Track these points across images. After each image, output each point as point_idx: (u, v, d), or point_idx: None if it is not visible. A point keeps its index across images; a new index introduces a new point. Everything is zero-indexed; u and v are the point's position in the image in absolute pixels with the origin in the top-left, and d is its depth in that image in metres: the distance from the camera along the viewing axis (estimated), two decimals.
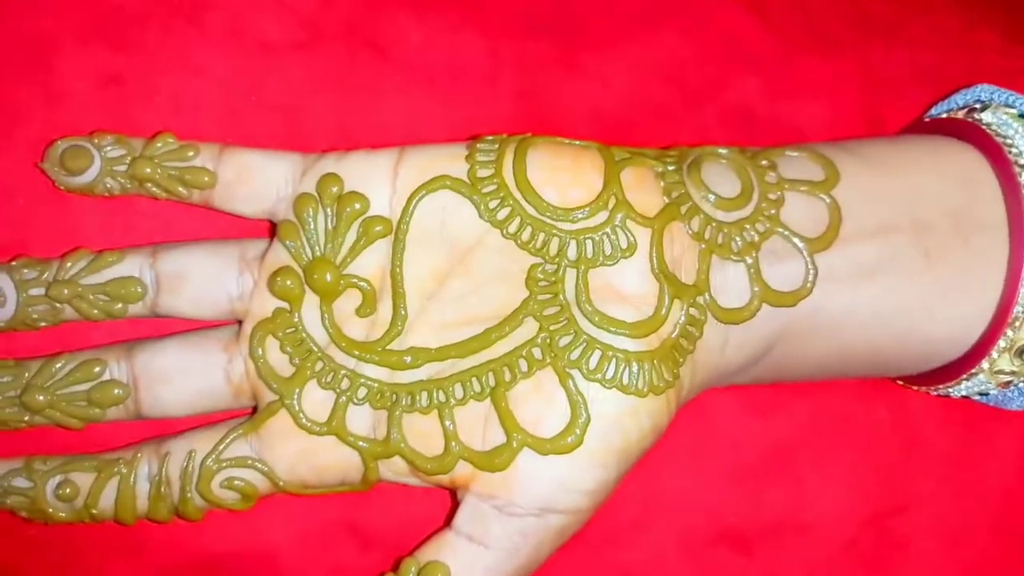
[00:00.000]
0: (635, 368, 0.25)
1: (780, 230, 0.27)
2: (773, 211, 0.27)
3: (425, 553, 0.27)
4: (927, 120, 0.31)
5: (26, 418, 0.27)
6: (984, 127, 0.28)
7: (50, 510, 0.27)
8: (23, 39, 0.29)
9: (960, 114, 0.30)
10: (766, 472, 0.31)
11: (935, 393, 0.30)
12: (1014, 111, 0.29)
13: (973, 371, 0.28)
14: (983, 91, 0.30)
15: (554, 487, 0.26)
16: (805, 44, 0.33)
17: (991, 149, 0.28)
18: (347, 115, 0.30)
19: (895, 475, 0.31)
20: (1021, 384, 0.28)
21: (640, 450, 0.26)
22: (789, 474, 0.31)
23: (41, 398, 0.27)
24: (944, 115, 0.30)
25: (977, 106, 0.30)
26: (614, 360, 0.25)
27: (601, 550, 0.29)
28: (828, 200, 0.27)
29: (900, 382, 0.31)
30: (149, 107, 0.29)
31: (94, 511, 0.27)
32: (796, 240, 0.27)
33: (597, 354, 0.25)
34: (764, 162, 0.27)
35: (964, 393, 0.29)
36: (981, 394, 0.29)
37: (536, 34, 0.32)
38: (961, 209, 0.27)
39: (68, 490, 0.27)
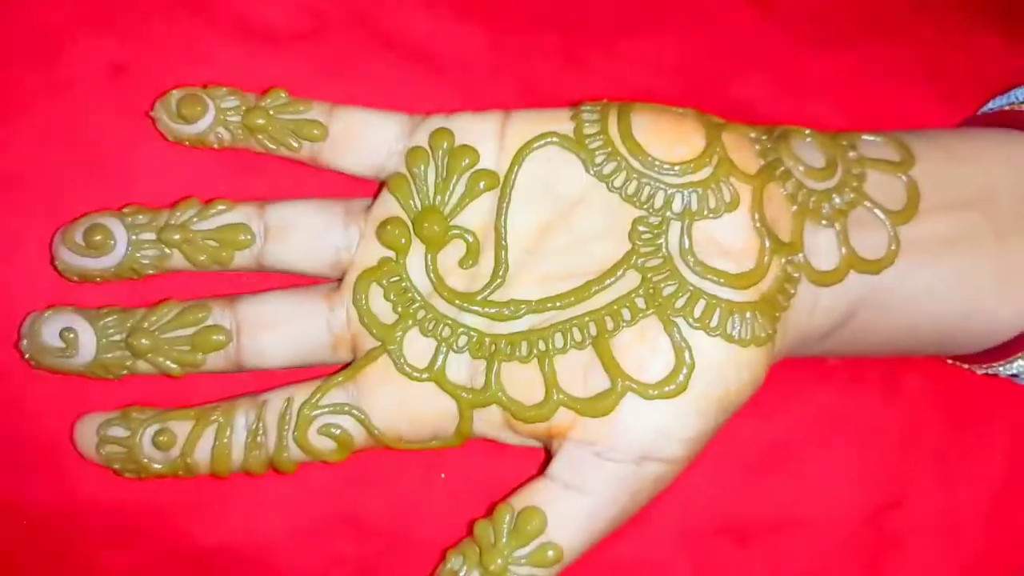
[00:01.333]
0: (738, 318, 0.26)
1: (865, 202, 0.28)
2: (857, 184, 0.28)
3: (519, 499, 0.27)
4: (983, 114, 0.32)
5: (128, 363, 0.27)
6: None
7: (145, 460, 0.27)
8: (30, 28, 0.29)
9: (1013, 107, 0.31)
10: (765, 466, 0.31)
11: (983, 371, 0.31)
12: None
13: None
14: None
15: (654, 434, 0.26)
16: (809, 40, 0.33)
17: None
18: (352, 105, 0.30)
19: (892, 470, 0.32)
20: None
21: (737, 402, 0.27)
22: (787, 468, 0.31)
23: (145, 341, 0.27)
24: (1003, 108, 0.32)
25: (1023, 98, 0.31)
26: (718, 309, 0.26)
27: (599, 544, 0.29)
28: (906, 179, 0.28)
29: (951, 361, 0.32)
30: (156, 96, 0.29)
31: (189, 460, 0.27)
32: (879, 212, 0.28)
33: (702, 303, 0.26)
34: (844, 142, 0.29)
35: (1014, 371, 0.30)
36: None
37: (540, 27, 0.32)
38: None
39: (165, 438, 0.27)
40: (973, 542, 0.32)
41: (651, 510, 0.30)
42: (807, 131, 0.29)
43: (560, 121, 0.28)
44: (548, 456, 0.27)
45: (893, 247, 0.27)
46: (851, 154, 0.28)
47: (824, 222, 0.27)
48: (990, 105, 0.33)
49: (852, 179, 0.28)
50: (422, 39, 0.31)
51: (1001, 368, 0.30)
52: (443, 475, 0.30)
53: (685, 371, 0.26)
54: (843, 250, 0.27)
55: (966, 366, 0.31)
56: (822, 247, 0.27)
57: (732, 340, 0.26)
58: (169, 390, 0.28)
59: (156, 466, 0.27)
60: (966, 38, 0.34)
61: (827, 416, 0.32)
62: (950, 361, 0.32)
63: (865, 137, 0.29)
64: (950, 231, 0.28)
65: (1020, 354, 0.29)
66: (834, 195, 0.28)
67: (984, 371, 0.31)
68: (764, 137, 0.28)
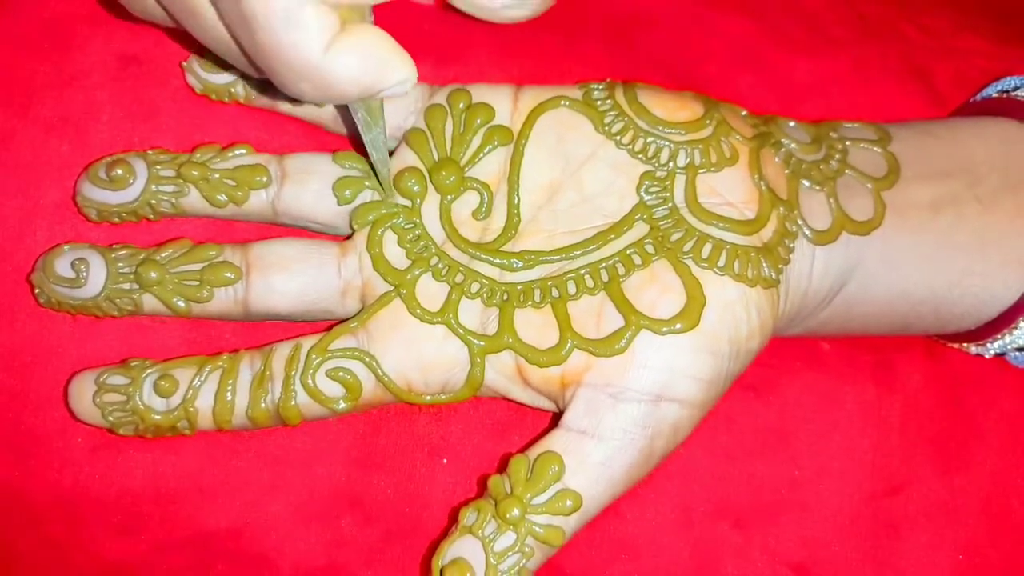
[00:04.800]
0: (744, 258, 0.27)
1: (848, 171, 0.30)
2: (840, 156, 0.30)
3: (535, 449, 0.26)
4: (966, 106, 0.34)
5: (136, 296, 0.27)
6: (1021, 99, 0.31)
7: (143, 407, 0.26)
8: (41, 19, 0.30)
9: (995, 96, 0.33)
10: (763, 450, 0.31)
11: (978, 349, 0.31)
12: None
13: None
14: (1012, 79, 0.33)
15: (669, 372, 0.26)
16: (800, 44, 0.35)
17: None
18: None
19: (890, 455, 0.32)
20: None
21: (748, 349, 0.27)
22: (786, 453, 0.32)
23: (154, 274, 0.26)
24: (977, 101, 0.34)
25: (1009, 89, 0.33)
26: (725, 251, 0.27)
27: (599, 525, 0.29)
28: (884, 153, 0.30)
29: (950, 344, 0.33)
30: (165, 88, 0.30)
31: (191, 408, 0.26)
32: (863, 179, 0.29)
33: (709, 246, 0.27)
34: (824, 127, 0.31)
35: (1017, 344, 0.31)
36: (1019, 349, 0.31)
37: (541, 26, 0.32)
38: (1007, 167, 0.30)
39: (167, 383, 0.26)
40: (971, 527, 0.32)
41: (650, 492, 0.30)
42: (791, 120, 0.31)
43: (570, 90, 0.29)
44: (557, 417, 0.27)
45: (879, 209, 0.29)
46: (833, 134, 0.30)
47: (816, 186, 0.29)
48: (971, 100, 0.35)
49: (836, 152, 0.30)
50: (422, 36, 0.32)
51: (995, 344, 0.31)
52: (445, 460, 0.30)
53: (697, 306, 0.26)
54: (835, 211, 0.29)
55: (958, 345, 0.32)
56: (815, 209, 0.29)
57: (741, 279, 0.27)
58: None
59: (156, 416, 0.26)
60: (954, 41, 0.35)
61: (825, 401, 0.32)
62: (949, 344, 0.32)
63: (843, 123, 0.31)
64: (933, 197, 0.30)
65: (1012, 327, 0.30)
66: (821, 164, 0.29)
67: (977, 350, 0.32)
68: (753, 117, 0.30)
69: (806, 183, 0.29)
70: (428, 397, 0.27)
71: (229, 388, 0.26)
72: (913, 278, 0.30)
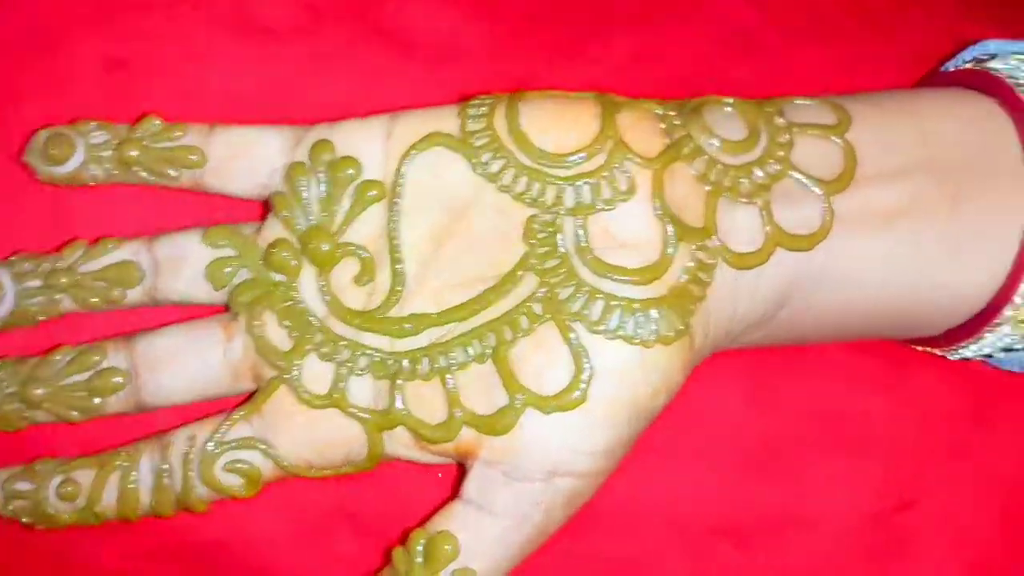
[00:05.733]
0: (641, 317, 0.24)
1: (792, 173, 0.25)
2: (783, 153, 0.25)
3: (434, 524, 0.25)
4: (937, 75, 0.30)
5: (26, 414, 0.27)
6: (995, 73, 0.27)
7: (52, 511, 0.26)
8: (27, 22, 0.29)
9: (969, 66, 0.29)
10: (765, 465, 0.30)
11: (954, 356, 0.28)
12: (1023, 56, 0.28)
13: (997, 321, 0.26)
14: (990, 44, 0.29)
15: (562, 449, 0.24)
16: (802, 34, 0.33)
17: (1004, 93, 0.27)
18: (351, 99, 0.30)
19: (898, 469, 0.30)
20: None
21: (652, 408, 0.25)
22: (789, 467, 0.30)
23: (40, 391, 0.26)
24: (952, 69, 0.29)
25: (985, 57, 0.28)
26: (618, 309, 0.24)
27: (599, 542, 0.28)
28: (841, 142, 0.26)
29: (920, 348, 0.29)
30: (153, 92, 0.29)
31: (96, 508, 0.26)
32: (809, 182, 0.25)
33: (600, 304, 0.24)
34: (770, 108, 0.26)
35: (988, 350, 0.27)
36: (1006, 349, 0.27)
37: (538, 21, 0.31)
38: (979, 153, 0.26)
39: (70, 488, 0.26)
40: (983, 543, 0.30)
41: (649, 509, 0.29)
42: (729, 100, 0.26)
43: (446, 119, 0.26)
44: (463, 473, 0.26)
45: (827, 219, 0.25)
46: (778, 120, 0.26)
47: (743, 200, 0.25)
48: (941, 69, 0.30)
49: (777, 148, 0.25)
50: (420, 34, 0.31)
51: (972, 347, 0.27)
52: (440, 474, 0.29)
53: (584, 379, 0.24)
54: (767, 228, 0.25)
55: (931, 350, 0.29)
56: (742, 227, 0.25)
57: (634, 342, 0.24)
58: (77, 432, 0.27)
59: (64, 516, 0.27)
60: (957, 31, 0.33)
61: (832, 413, 0.30)
62: (920, 349, 0.29)
63: (796, 101, 0.27)
64: (895, 200, 0.26)
65: (988, 328, 0.26)
66: (755, 168, 0.25)
67: (956, 355, 0.28)
68: (673, 112, 0.26)
69: (730, 199, 0.25)
70: (329, 471, 0.26)
71: (132, 487, 0.26)
72: (869, 289, 0.26)
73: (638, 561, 0.30)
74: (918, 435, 0.30)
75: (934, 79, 0.30)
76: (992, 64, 0.28)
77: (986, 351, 0.27)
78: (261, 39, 0.30)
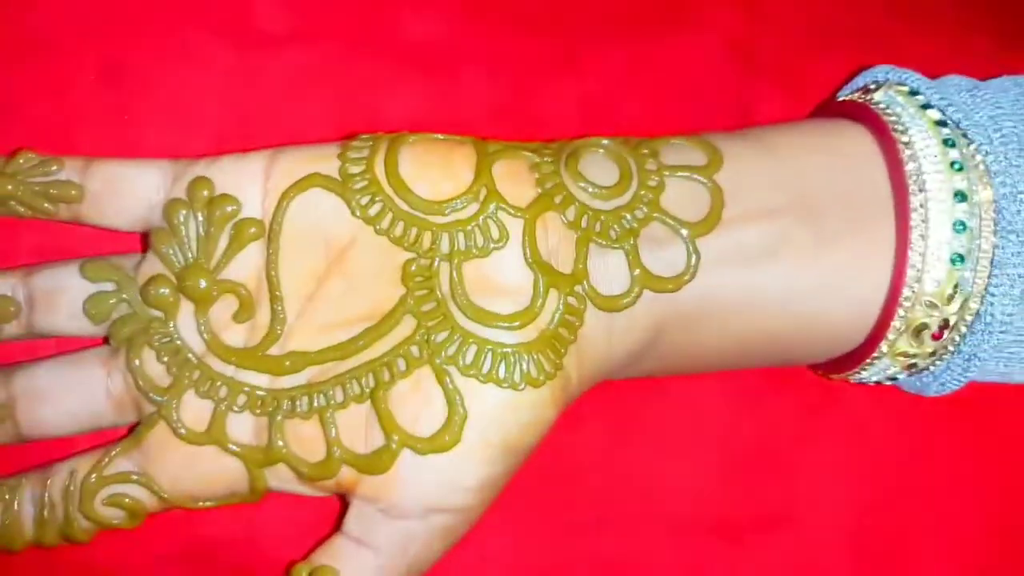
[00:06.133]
0: (512, 361, 0.25)
1: (659, 216, 0.26)
2: (652, 197, 0.26)
3: (316, 557, 0.26)
4: (831, 103, 0.31)
5: None
6: (874, 106, 0.28)
7: None
8: (23, 29, 0.29)
9: (857, 95, 0.29)
10: (757, 464, 0.31)
11: (853, 380, 0.29)
12: (905, 88, 0.28)
13: (875, 355, 0.28)
14: (881, 71, 0.29)
15: (437, 487, 0.25)
16: (801, 46, 0.33)
17: (879, 127, 0.28)
18: (346, 108, 0.30)
19: (889, 468, 0.31)
20: (932, 368, 0.28)
21: (526, 445, 0.26)
22: (780, 466, 0.31)
23: None
24: (844, 98, 0.30)
25: (872, 86, 0.29)
26: (490, 354, 0.25)
27: (592, 540, 0.29)
28: (709, 184, 0.27)
29: (817, 371, 0.31)
30: (149, 100, 0.29)
31: None
32: (676, 225, 0.26)
33: (473, 348, 0.25)
34: (645, 150, 0.27)
35: (876, 378, 0.29)
36: (891, 379, 0.29)
37: (537, 31, 0.32)
38: (850, 191, 0.27)
39: None
40: (974, 541, 0.32)
41: (642, 507, 0.30)
42: (604, 142, 0.27)
43: (327, 160, 0.26)
44: (345, 507, 0.27)
45: (693, 262, 0.26)
46: (649, 164, 0.27)
47: (613, 244, 0.26)
48: (838, 94, 0.31)
49: (647, 191, 0.26)
50: (415, 44, 0.31)
51: (862, 376, 0.29)
52: None
53: (457, 422, 0.25)
54: (634, 271, 0.26)
55: (832, 377, 0.30)
56: (611, 271, 0.26)
57: (504, 385, 0.25)
58: None
59: None
60: (957, 44, 0.34)
61: (821, 414, 0.31)
62: (817, 372, 0.31)
63: (672, 141, 0.28)
64: (762, 240, 0.26)
65: (869, 361, 0.28)
66: (624, 213, 0.26)
67: (851, 380, 0.29)
68: (549, 160, 0.26)
69: (600, 244, 0.26)
70: (214, 503, 0.27)
71: (13, 520, 0.26)
72: (742, 325, 0.27)
73: (630, 559, 0.30)
74: (908, 434, 0.31)
75: (826, 108, 0.31)
76: (875, 95, 0.28)
77: (875, 380, 0.29)
78: (257, 47, 0.30)
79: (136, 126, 0.29)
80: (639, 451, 0.30)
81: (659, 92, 0.32)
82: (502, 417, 0.25)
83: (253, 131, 0.29)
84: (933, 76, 0.30)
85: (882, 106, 0.28)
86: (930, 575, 0.31)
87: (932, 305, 0.26)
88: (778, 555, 0.31)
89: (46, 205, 0.26)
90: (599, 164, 0.27)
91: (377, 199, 0.26)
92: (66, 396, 0.26)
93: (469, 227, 0.25)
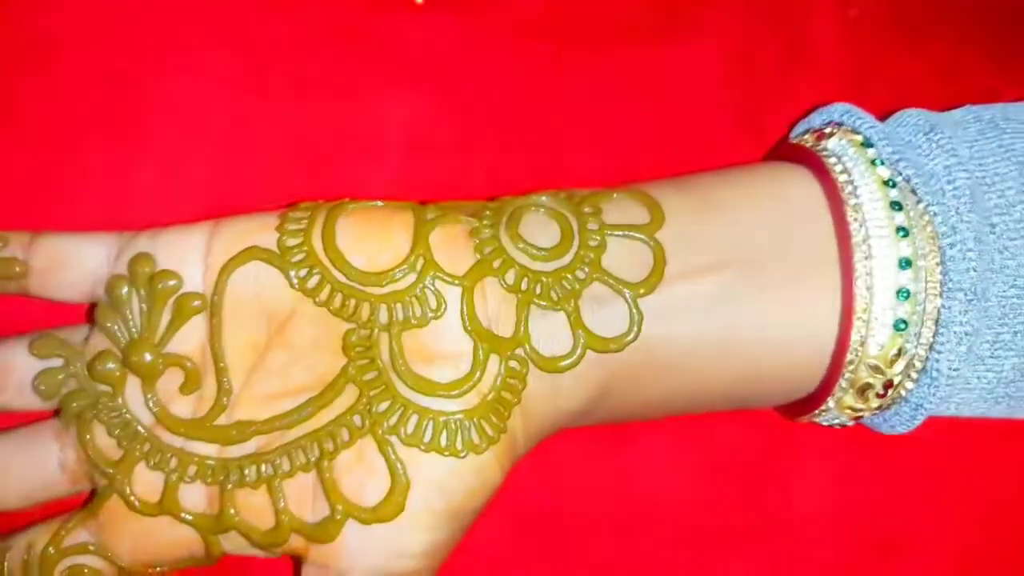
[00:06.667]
0: (453, 429, 0.25)
1: (600, 276, 0.26)
2: (593, 257, 0.26)
3: None
4: (785, 143, 0.30)
5: None
6: (824, 157, 0.28)
7: None
8: (27, 37, 0.29)
9: (810, 138, 0.29)
10: (752, 470, 0.31)
11: (806, 421, 0.29)
12: (859, 138, 0.28)
13: (823, 408, 0.28)
14: (837, 111, 0.29)
15: (383, 554, 0.25)
16: (797, 59, 0.33)
17: (828, 182, 0.27)
18: (348, 115, 0.31)
19: (885, 470, 0.31)
20: (882, 414, 0.28)
21: (471, 508, 0.26)
22: (776, 472, 0.31)
23: None
24: (798, 139, 0.30)
25: (827, 130, 0.29)
26: (431, 423, 0.25)
27: (585, 546, 0.29)
28: (651, 242, 0.26)
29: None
30: (152, 106, 0.29)
31: None
32: (618, 286, 0.26)
33: (415, 418, 0.25)
34: (588, 209, 0.27)
35: (828, 423, 0.29)
36: (844, 424, 0.29)
37: (535, 37, 0.32)
38: (794, 245, 0.27)
39: None
40: (970, 542, 0.32)
41: (635, 513, 0.30)
42: (544, 200, 0.27)
43: (266, 230, 0.26)
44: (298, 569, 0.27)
45: (636, 320, 0.26)
46: (591, 224, 0.27)
47: (554, 306, 0.26)
48: (793, 132, 0.31)
49: (589, 251, 0.26)
50: (417, 54, 0.31)
51: (816, 420, 0.29)
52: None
53: (400, 491, 0.25)
54: (577, 332, 0.26)
55: (781, 416, 0.30)
56: (553, 332, 0.26)
57: (446, 453, 0.25)
58: None
59: None
60: (950, 60, 0.34)
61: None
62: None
63: (615, 196, 0.27)
64: (705, 295, 0.26)
65: (817, 412, 0.28)
66: (566, 274, 0.26)
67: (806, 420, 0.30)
68: (487, 224, 0.27)
69: (541, 305, 0.26)
70: (171, 568, 0.27)
71: None
72: (692, 377, 0.27)
73: (624, 563, 0.31)
74: (897, 438, 0.30)
75: (779, 149, 0.30)
76: (829, 143, 0.28)
77: (827, 424, 0.29)
78: (258, 55, 0.30)
79: (140, 133, 0.29)
80: (631, 456, 0.30)
81: (662, 100, 0.32)
82: (446, 484, 0.25)
83: (254, 138, 0.29)
84: (925, 92, 0.30)
85: (832, 160, 0.28)
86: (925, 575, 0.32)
87: (876, 368, 0.26)
88: (776, 560, 0.31)
89: None
90: (540, 224, 0.27)
91: (315, 271, 0.26)
92: (19, 470, 0.27)
93: (407, 297, 0.25)
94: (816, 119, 0.30)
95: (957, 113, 0.29)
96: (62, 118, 0.29)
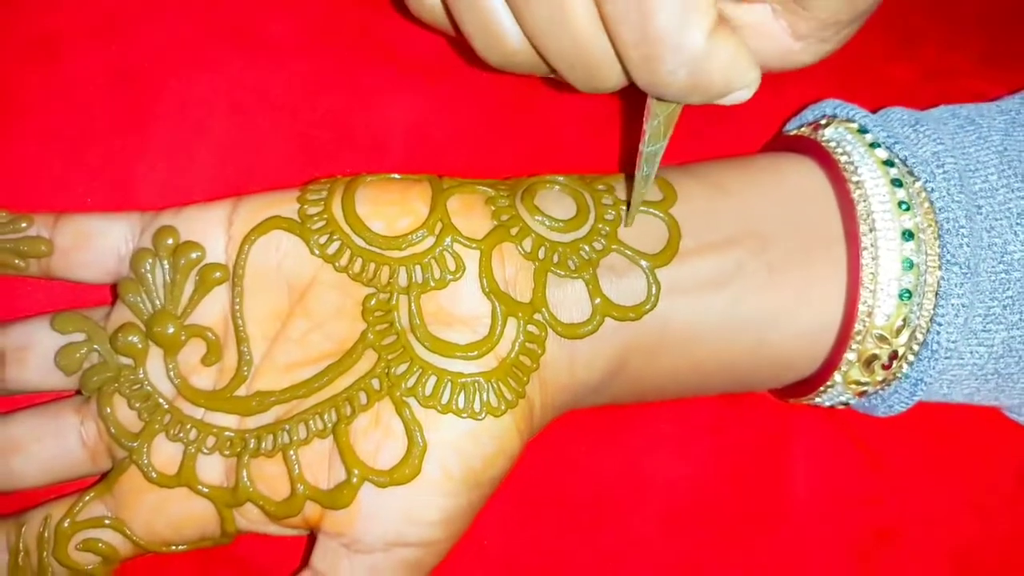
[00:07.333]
0: (471, 390, 0.25)
1: (618, 247, 0.27)
2: (609, 230, 0.27)
3: None
4: (781, 137, 0.31)
5: None
6: (824, 143, 0.29)
7: None
8: (34, 33, 0.29)
9: (806, 130, 0.30)
10: (749, 460, 0.31)
11: (807, 403, 0.30)
12: (854, 125, 0.29)
13: (829, 383, 0.28)
14: (829, 106, 0.30)
15: (399, 521, 0.25)
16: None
17: (829, 164, 0.28)
18: (351, 113, 0.31)
19: (882, 462, 0.31)
20: (881, 392, 0.28)
21: (489, 476, 0.25)
22: (772, 462, 0.31)
23: None
24: (794, 132, 0.31)
25: (823, 121, 0.30)
26: (449, 384, 0.25)
27: (588, 534, 0.29)
28: (666, 218, 0.27)
29: (775, 395, 0.31)
30: (157, 104, 0.29)
31: None
32: (635, 256, 0.26)
33: (433, 380, 0.25)
34: (601, 186, 0.28)
35: (830, 403, 0.29)
36: (844, 404, 0.29)
37: None
38: (801, 224, 0.27)
39: None
40: (965, 534, 0.32)
41: (637, 501, 0.30)
42: (560, 179, 0.28)
43: (287, 203, 0.27)
44: (312, 542, 0.27)
45: (653, 291, 0.26)
46: (605, 200, 0.27)
47: (571, 275, 0.26)
48: (786, 127, 0.32)
49: (605, 225, 0.27)
50: (421, 51, 0.31)
51: (817, 401, 0.29)
52: None
53: (417, 453, 0.25)
54: (595, 300, 0.26)
55: (789, 400, 0.30)
56: (572, 300, 0.26)
57: (463, 415, 0.25)
58: None
59: None
60: (939, 62, 0.34)
61: (813, 409, 0.31)
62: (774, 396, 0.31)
63: (625, 178, 0.28)
64: (717, 270, 0.27)
65: (822, 388, 0.28)
66: (583, 245, 0.26)
67: (806, 403, 0.30)
68: (504, 195, 0.27)
69: (559, 274, 0.26)
70: (184, 547, 0.27)
71: None
72: (701, 353, 0.27)
73: (626, 551, 0.30)
74: (897, 428, 0.31)
75: (776, 143, 0.31)
76: (825, 132, 0.29)
77: (828, 404, 0.29)
78: (264, 53, 0.31)
79: (146, 130, 0.29)
80: (633, 446, 0.30)
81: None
82: (463, 447, 0.25)
83: (259, 137, 0.29)
84: (916, 95, 0.31)
85: (832, 144, 0.28)
86: (927, 570, 0.31)
87: (882, 338, 0.26)
88: (772, 550, 0.31)
89: (17, 261, 0.27)
90: (555, 199, 0.27)
91: (335, 237, 0.26)
92: (41, 445, 0.27)
93: (426, 260, 0.26)
94: (808, 115, 0.31)
95: (935, 111, 0.30)
96: (69, 114, 0.29)
